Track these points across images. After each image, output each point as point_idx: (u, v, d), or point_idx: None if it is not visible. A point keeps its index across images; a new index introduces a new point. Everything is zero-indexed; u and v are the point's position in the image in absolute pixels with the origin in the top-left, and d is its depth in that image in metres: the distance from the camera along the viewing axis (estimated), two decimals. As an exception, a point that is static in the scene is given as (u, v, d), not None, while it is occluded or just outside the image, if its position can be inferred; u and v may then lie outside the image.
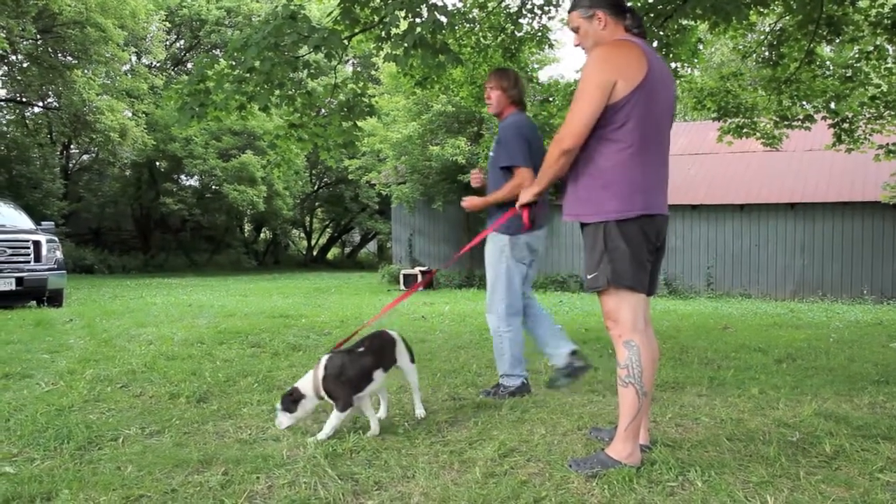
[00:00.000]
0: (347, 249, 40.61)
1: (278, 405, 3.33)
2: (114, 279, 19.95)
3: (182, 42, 31.05)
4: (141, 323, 7.71)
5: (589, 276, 2.91)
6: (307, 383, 3.32)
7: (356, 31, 6.51)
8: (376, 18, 6.45)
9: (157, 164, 26.82)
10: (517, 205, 3.51)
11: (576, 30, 3.00)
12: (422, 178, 17.36)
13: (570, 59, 52.32)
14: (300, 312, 9.39)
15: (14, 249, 10.00)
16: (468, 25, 7.99)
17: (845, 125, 10.11)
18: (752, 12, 7.44)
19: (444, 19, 5.68)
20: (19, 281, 9.84)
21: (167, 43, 29.23)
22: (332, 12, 6.33)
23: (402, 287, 16.72)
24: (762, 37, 9.73)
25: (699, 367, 5.20)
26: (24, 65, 21.37)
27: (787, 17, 8.49)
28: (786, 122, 10.14)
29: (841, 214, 15.31)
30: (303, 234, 37.94)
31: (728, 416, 3.64)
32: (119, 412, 3.84)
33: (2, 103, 23.93)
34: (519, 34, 8.18)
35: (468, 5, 8.10)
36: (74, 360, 5.30)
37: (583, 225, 2.95)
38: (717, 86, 10.16)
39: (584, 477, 2.73)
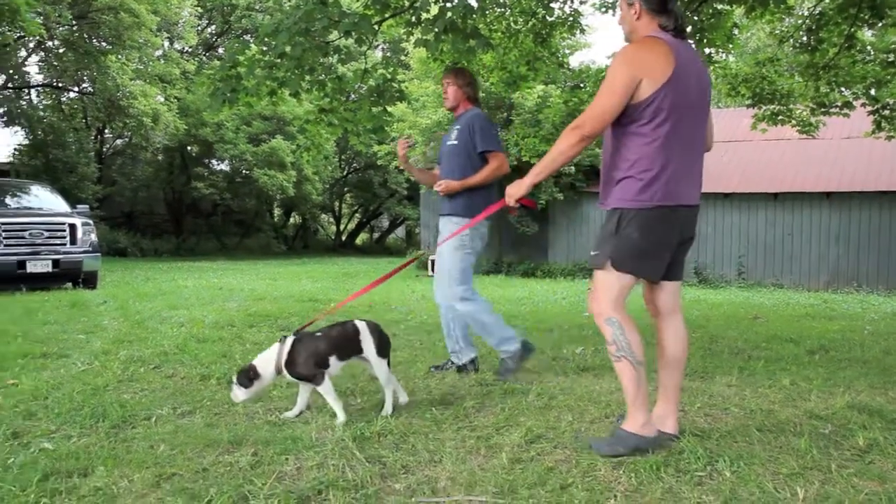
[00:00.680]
0: (376, 235, 40.75)
1: (234, 379, 3.36)
2: (146, 262, 20.27)
3: (213, 27, 31.25)
4: (173, 305, 7.82)
5: (592, 253, 3.05)
6: (266, 361, 3.36)
7: (386, 15, 6.49)
8: (407, 3, 6.43)
9: (189, 148, 27.10)
10: (514, 197, 3.30)
11: (619, 8, 3.12)
12: (451, 164, 17.33)
13: (602, 44, 51.66)
14: (329, 297, 9.47)
15: (51, 232, 10.20)
16: (499, 10, 7.91)
17: (886, 112, 9.88)
18: (789, -4, 7.29)
19: (474, 4, 5.65)
20: (56, 263, 10.03)
21: (199, 28, 29.45)
22: (362, -3, 6.32)
23: (430, 272, 16.73)
24: (800, 21, 9.51)
25: (729, 357, 5.15)
26: (60, 50, 21.67)
27: (827, 1, 8.30)
28: (823, 109, 9.94)
29: (879, 204, 14.99)
30: (332, 219, 38.14)
31: (758, 407, 3.60)
32: (152, 392, 3.91)
33: (39, 88, 24.32)
34: (550, 19, 8.09)
35: (499, -10, 8.03)
36: (109, 341, 5.41)
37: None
38: (752, 72, 9.98)
39: (611, 464, 2.73)
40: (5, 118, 23.80)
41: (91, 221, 11.03)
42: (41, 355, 4.86)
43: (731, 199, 15.95)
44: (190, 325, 6.27)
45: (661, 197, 2.88)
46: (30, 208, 11.10)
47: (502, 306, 8.51)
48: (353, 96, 7.77)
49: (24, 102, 24.18)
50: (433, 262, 17.09)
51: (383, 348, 3.56)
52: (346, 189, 35.22)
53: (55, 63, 22.31)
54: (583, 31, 8.62)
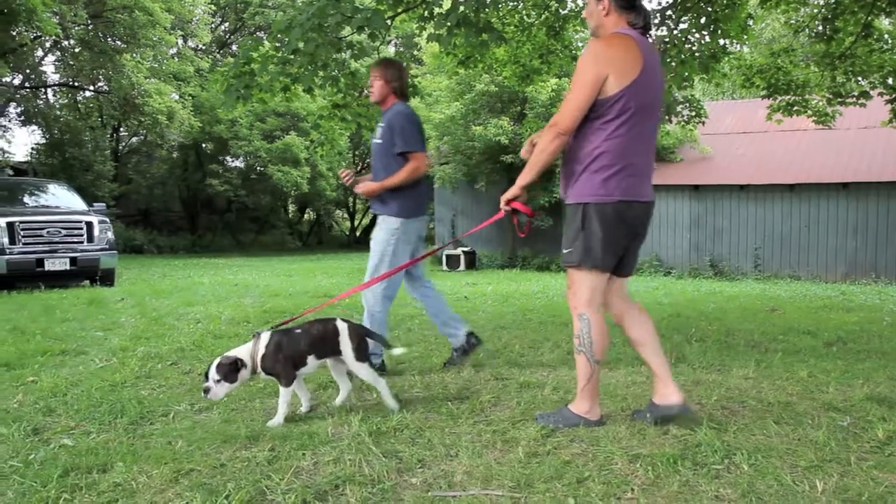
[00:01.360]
0: (390, 229, 40.72)
1: (214, 375, 3.17)
2: (162, 259, 20.42)
3: (227, 24, 31.36)
4: (189, 302, 7.88)
5: (564, 251, 3.15)
6: (245, 356, 3.26)
7: (399, 10, 6.48)
8: (419, -2, 6.42)
9: (203, 146, 27.23)
10: (504, 199, 3.33)
11: (587, 4, 3.17)
12: (465, 159, 17.31)
13: (615, 36, 51.26)
14: (344, 292, 9.49)
15: (68, 230, 10.29)
16: (511, 3, 7.88)
17: (903, 101, 9.74)
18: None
19: (486, -2, 5.62)
20: (73, 261, 10.13)
21: (212, 26, 29.55)
22: (375, -8, 6.32)
23: (444, 267, 16.75)
24: (816, 10, 9.40)
25: (745, 350, 5.11)
26: (76, 50, 21.83)
27: (843, -10, 8.19)
28: (839, 99, 9.81)
29: (897, 194, 14.81)
30: (346, 215, 38.19)
31: (776, 400, 3.58)
32: (169, 388, 3.94)
33: (55, 88, 24.52)
34: (563, 12, 8.05)
35: (511, -17, 8.00)
36: (126, 338, 5.46)
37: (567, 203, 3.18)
38: (766, 62, 9.87)
39: (628, 457, 2.72)
40: (23, 117, 24.05)
41: (108, 219, 11.13)
42: (60, 352, 4.91)
43: (746, 191, 15.82)
44: (206, 322, 6.31)
45: (621, 192, 2.99)
46: (47, 207, 11.21)
47: (517, 300, 8.50)
48: (366, 91, 7.77)
49: (41, 102, 24.40)
50: (448, 257, 17.01)
51: (361, 351, 3.45)
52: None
53: (71, 62, 22.48)
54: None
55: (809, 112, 10.19)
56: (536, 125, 15.90)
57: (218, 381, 3.18)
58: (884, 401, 3.52)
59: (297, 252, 28.01)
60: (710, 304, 8.52)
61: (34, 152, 24.10)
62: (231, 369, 3.20)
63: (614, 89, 2.92)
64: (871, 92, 9.72)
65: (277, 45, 6.30)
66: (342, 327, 3.46)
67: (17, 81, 22.71)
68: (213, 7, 27.71)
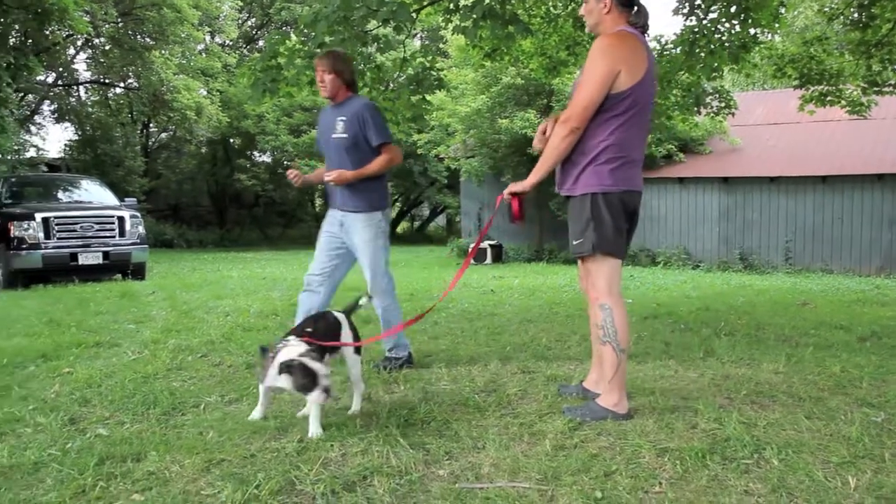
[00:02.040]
0: (416, 223, 40.84)
1: (321, 382, 2.87)
2: (192, 253, 20.67)
3: (253, 20, 31.57)
4: (218, 295, 7.97)
5: (575, 242, 3.20)
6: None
7: (425, 3, 6.49)
8: (445, -10, 6.41)
9: (231, 140, 27.49)
10: (507, 193, 3.35)
11: (585, 1, 3.22)
12: (491, 152, 17.25)
13: (643, 27, 50.62)
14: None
15: (101, 225, 10.46)
16: (538, -5, 7.84)
17: (942, 91, 9.52)
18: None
19: (513, -11, 5.60)
20: (106, 255, 10.30)
21: (239, 21, 29.77)
22: (401, -15, 6.32)
23: (471, 261, 16.77)
24: (850, -2, 9.22)
25: (776, 344, 5.05)
26: (107, 47, 22.15)
27: (879, -25, 8.02)
28: (875, 89, 9.61)
29: (933, 186, 14.49)
30: (372, 209, 38.36)
31: (807, 395, 3.53)
32: (200, 380, 4.00)
33: (87, 85, 24.91)
34: (589, 3, 7.99)
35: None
36: (158, 331, 5.54)
37: (569, 197, 3.22)
38: (799, 51, 9.70)
39: (655, 451, 2.71)
40: (56, 115, 24.49)
41: (139, 214, 11.29)
42: (94, 344, 5.01)
43: (777, 183, 15.58)
44: (235, 315, 6.38)
45: (625, 183, 3.10)
46: (80, 202, 11.41)
47: (544, 294, 8.48)
48: (391, 85, 7.78)
49: (74, 99, 24.81)
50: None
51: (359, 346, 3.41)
52: (385, 178, 35.36)
53: (102, 60, 22.82)
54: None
55: (843, 102, 10.00)
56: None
57: (322, 389, 2.92)
58: (919, 396, 3.46)
59: (325, 246, 28.11)
60: (739, 298, 8.42)
61: (67, 149, 24.54)
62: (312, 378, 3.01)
63: (625, 86, 3.00)
64: (908, 81, 9.52)
65: (304, 38, 6.33)
66: (342, 319, 3.41)
67: (50, 80, 23.12)
68: (240, 3, 27.91)
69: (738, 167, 16.19)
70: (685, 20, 7.74)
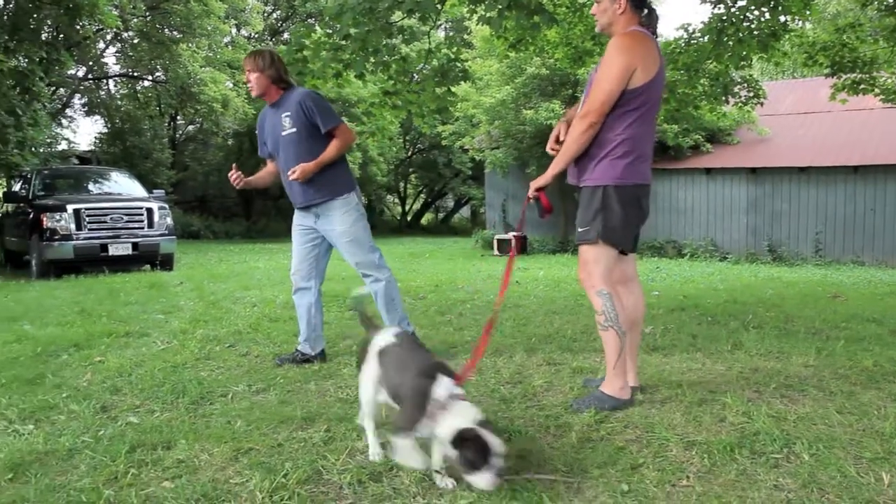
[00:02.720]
0: (441, 215, 40.85)
1: (496, 465, 2.24)
2: (218, 244, 20.88)
3: (279, 13, 31.69)
4: (245, 286, 8.04)
5: (581, 229, 3.25)
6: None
7: (450, -6, 6.47)
8: (470, -19, 6.37)
9: (258, 132, 27.67)
10: (534, 188, 3.38)
11: (598, 0, 3.24)
12: (515, 143, 17.19)
13: (670, 16, 50.21)
14: (396, 277, 9.56)
15: (130, 216, 10.62)
16: (563, -16, 7.78)
17: (978, 78, 9.30)
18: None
19: (539, -21, 5.56)
20: (135, 246, 10.46)
21: (264, 14, 29.91)
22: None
23: (495, 252, 16.72)
24: (884, -16, 9.01)
25: (805, 337, 4.97)
26: (135, 41, 22.41)
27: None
28: (910, 76, 9.42)
29: (969, 175, 14.17)
30: (397, 200, 38.41)
31: (838, 389, 3.48)
32: (227, 370, 4.04)
33: (116, 79, 25.21)
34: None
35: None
36: (186, 321, 5.61)
37: (582, 187, 3.28)
38: (831, 39, 9.53)
39: (683, 444, 2.69)
40: (86, 108, 24.83)
41: (167, 205, 11.44)
42: (124, 334, 5.09)
43: (807, 174, 15.34)
44: (262, 306, 6.44)
45: (638, 176, 3.19)
46: (110, 194, 11.59)
47: (569, 285, 8.44)
48: (416, 77, 7.78)
49: (103, 92, 25.13)
50: (500, 241, 16.96)
51: None
52: (410, 170, 35.37)
53: (130, 53, 23.09)
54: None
55: (877, 90, 9.81)
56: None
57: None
58: (953, 390, 3.39)
59: (350, 237, 28.22)
60: (767, 290, 8.31)
61: (97, 141, 24.88)
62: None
63: (640, 82, 3.09)
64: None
65: (329, 31, 6.35)
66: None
67: (81, 73, 23.43)
68: (266, -5, 28.04)
69: (766, 157, 15.96)
70: (713, 8, 7.63)
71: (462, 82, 7.41)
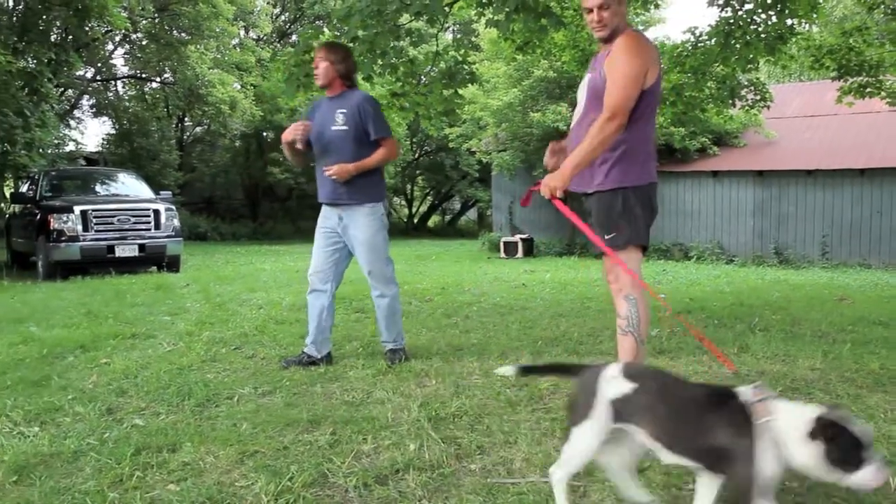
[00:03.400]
0: (448, 217, 40.87)
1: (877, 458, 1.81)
2: (225, 246, 20.92)
3: (287, 14, 31.77)
4: (251, 288, 8.06)
5: (608, 237, 3.17)
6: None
7: (457, -4, 6.47)
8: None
9: (265, 134, 27.71)
10: (553, 189, 3.15)
11: (605, 5, 3.12)
12: (522, 146, 17.18)
13: (676, 19, 50.06)
14: (402, 279, 9.51)
15: (137, 218, 10.64)
16: (570, -13, 7.77)
17: None
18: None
19: (546, -18, 5.56)
20: (142, 247, 10.47)
21: (273, 16, 29.99)
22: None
23: (501, 254, 16.70)
24: (892, -14, 8.98)
25: (812, 340, 4.96)
26: (144, 42, 22.49)
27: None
28: (917, 79, 9.38)
29: (977, 179, 14.08)
30: (404, 202, 38.45)
31: (845, 392, 3.47)
32: (233, 372, 4.05)
33: (124, 80, 25.32)
34: (624, -6, 7.89)
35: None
36: (192, 323, 5.62)
37: (589, 194, 3.24)
38: (837, 42, 9.49)
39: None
40: (94, 109, 24.94)
41: (174, 207, 11.45)
42: (131, 336, 5.10)
43: (814, 177, 15.28)
44: (268, 308, 6.45)
45: (651, 175, 3.21)
46: (117, 195, 11.61)
47: (576, 288, 8.43)
48: (424, 79, 7.79)
49: (111, 94, 25.23)
50: (506, 244, 16.91)
51: None
52: (417, 172, 35.39)
53: (139, 55, 23.17)
54: (657, 6, 8.40)
55: (884, 93, 9.77)
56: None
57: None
58: (962, 395, 3.37)
59: (356, 239, 28.23)
60: (774, 293, 8.29)
61: (105, 142, 24.97)
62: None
63: (649, 83, 3.10)
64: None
65: (337, 33, 6.36)
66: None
67: (89, 75, 23.54)
68: (274, -2, 28.11)
69: (773, 160, 15.91)
70: (720, 11, 7.61)
71: (469, 85, 7.42)
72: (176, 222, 11.18)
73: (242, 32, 27.71)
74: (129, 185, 12.17)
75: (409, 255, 16.23)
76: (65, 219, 10.07)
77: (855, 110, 13.30)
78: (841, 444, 1.75)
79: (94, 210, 10.27)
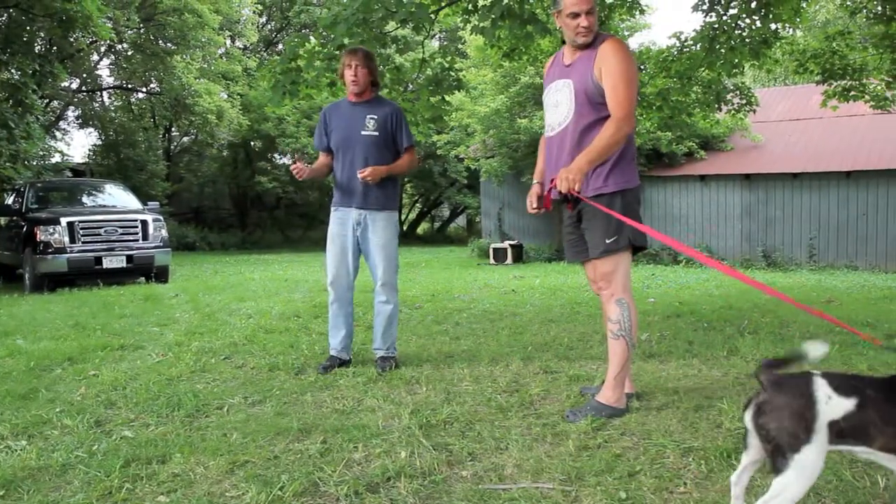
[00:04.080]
0: (437, 224, 40.89)
1: None
2: (214, 256, 20.83)
3: (273, 23, 31.78)
4: (241, 297, 8.02)
5: (608, 241, 3.19)
6: None
7: (443, 4, 6.49)
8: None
9: (252, 143, 27.67)
10: (577, 190, 3.14)
11: (592, 10, 3.19)
12: (510, 152, 17.22)
13: (662, 25, 50.39)
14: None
15: (124, 229, 10.58)
16: (556, -7, 7.81)
17: (968, 83, 9.36)
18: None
19: (531, -11, 5.59)
20: (129, 258, 10.41)
21: (259, 25, 29.98)
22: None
23: (491, 261, 16.72)
24: (874, -9, 9.08)
25: (801, 343, 4.97)
26: (129, 53, 22.40)
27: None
28: (899, 83, 9.48)
29: (961, 180, 14.23)
30: (392, 210, 38.46)
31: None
32: (223, 382, 4.03)
33: (110, 90, 25.21)
34: (609, 1, 7.95)
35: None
36: (181, 333, 5.59)
37: (594, 196, 3.20)
38: (821, 46, 9.58)
39: (680, 451, 2.69)
40: (80, 120, 24.81)
41: (161, 217, 11.39)
42: (119, 347, 5.06)
43: (800, 180, 15.40)
44: (258, 317, 6.42)
45: (638, 176, 3.30)
46: (105, 206, 11.54)
47: (565, 293, 8.45)
48: (410, 86, 7.80)
49: (97, 104, 25.11)
50: (495, 250, 16.93)
51: None
52: (406, 179, 35.43)
53: (124, 65, 23.08)
54: (642, 11, 8.44)
55: (867, 97, 9.87)
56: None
57: None
58: (949, 394, 3.39)
59: (345, 247, 28.19)
60: (762, 296, 8.33)
61: (91, 154, 24.84)
62: None
63: None
64: (934, 74, 9.37)
65: (323, 41, 6.37)
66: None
67: (74, 85, 23.43)
68: (260, 7, 28.09)
69: (760, 164, 16.02)
70: (705, 16, 7.68)
71: (456, 91, 7.44)
72: (164, 233, 11.12)
73: (228, 42, 27.69)
74: (117, 196, 12.11)
75: (399, 263, 16.21)
76: (51, 230, 9.99)
77: (839, 114, 13.42)
78: None
79: (81, 221, 10.21)
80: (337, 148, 4.31)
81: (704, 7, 7.62)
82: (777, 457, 1.87)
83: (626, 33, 18.39)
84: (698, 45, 7.91)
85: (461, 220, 39.33)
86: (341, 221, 4.35)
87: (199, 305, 7.32)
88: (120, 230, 10.51)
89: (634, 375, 3.96)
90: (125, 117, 24.43)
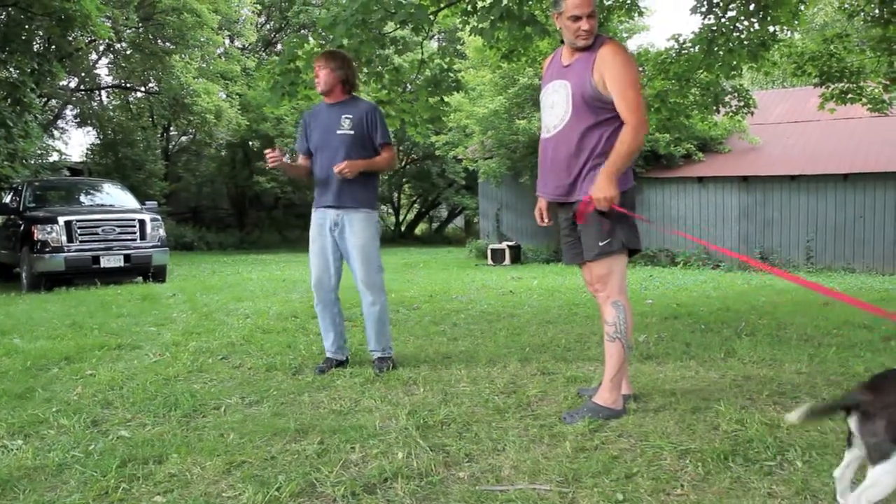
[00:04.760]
0: (435, 225, 40.89)
1: None
2: (212, 255, 20.81)
3: (272, 24, 31.76)
4: (238, 297, 8.02)
5: (602, 243, 3.18)
6: None
7: (442, 5, 6.49)
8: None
9: (250, 143, 27.64)
10: (612, 201, 3.12)
11: (593, 14, 3.18)
12: (508, 153, 17.23)
13: (660, 27, 50.49)
14: (389, 287, 9.49)
15: (122, 228, 10.57)
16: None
17: (965, 87, 9.39)
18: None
19: (530, -10, 5.59)
20: (127, 258, 10.40)
21: (258, 25, 29.97)
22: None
23: (489, 262, 16.72)
24: (871, -6, 9.10)
25: (798, 344, 4.99)
26: (128, 52, 22.38)
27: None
28: (896, 85, 9.51)
29: (958, 183, 14.26)
30: (391, 210, 38.44)
31: (830, 395, 3.49)
32: (220, 382, 4.02)
33: (109, 90, 25.19)
34: (607, 2, 7.96)
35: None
36: (178, 333, 5.58)
37: (571, 203, 3.26)
38: (819, 49, 9.61)
39: (677, 453, 2.69)
40: (78, 119, 24.79)
41: (159, 217, 11.38)
42: (116, 347, 5.06)
43: (797, 182, 15.42)
44: (255, 317, 6.42)
45: (632, 178, 3.29)
46: (102, 205, 11.53)
47: (563, 295, 8.45)
48: (409, 87, 7.80)
49: (95, 104, 25.08)
50: (493, 251, 16.92)
51: None
52: (404, 180, 35.41)
53: (123, 64, 23.05)
54: (640, 13, 8.45)
55: (864, 99, 9.89)
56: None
57: None
58: (945, 397, 3.40)
59: (343, 248, 28.16)
60: (760, 298, 8.34)
61: (89, 153, 24.81)
62: None
63: None
64: (931, 77, 9.39)
65: (322, 41, 6.37)
66: None
67: (73, 85, 23.40)
68: (259, 7, 28.09)
69: (757, 166, 16.04)
70: (703, 19, 7.69)
71: (455, 92, 7.45)
72: (162, 232, 11.11)
73: (227, 42, 27.67)
74: (114, 196, 12.10)
75: (397, 263, 16.21)
76: (49, 229, 9.98)
77: (837, 116, 13.45)
78: None
79: (78, 221, 10.20)
80: (315, 148, 4.34)
81: (703, 9, 7.63)
82: (876, 450, 1.98)
83: (625, 35, 18.43)
84: (697, 48, 7.92)
85: (459, 221, 39.31)
86: (319, 224, 4.34)
87: (197, 305, 7.32)
88: (118, 229, 10.50)
89: (632, 377, 3.96)
90: (123, 116, 24.41)
